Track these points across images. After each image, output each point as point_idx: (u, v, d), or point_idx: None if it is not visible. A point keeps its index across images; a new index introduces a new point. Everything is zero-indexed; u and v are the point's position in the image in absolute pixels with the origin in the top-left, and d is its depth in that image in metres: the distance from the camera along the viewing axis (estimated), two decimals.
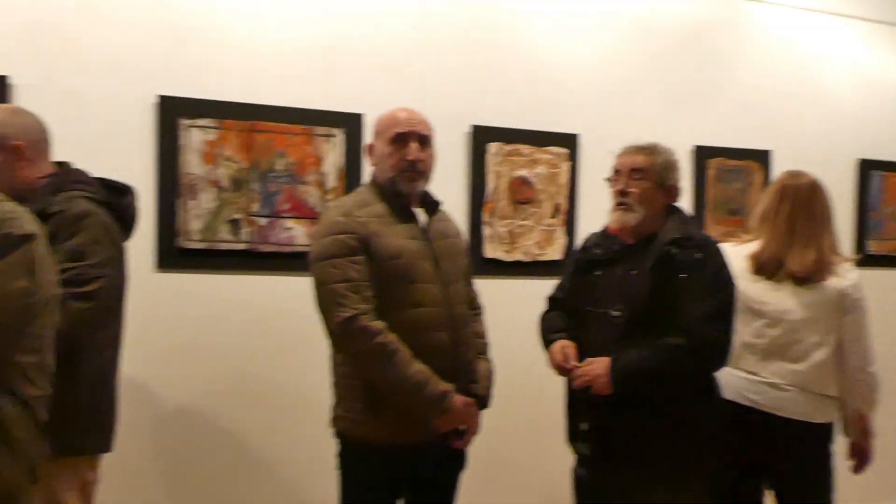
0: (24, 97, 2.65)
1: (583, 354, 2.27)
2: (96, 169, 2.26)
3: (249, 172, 2.85)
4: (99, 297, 1.98)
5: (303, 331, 2.69)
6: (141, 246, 2.64)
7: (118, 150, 2.74)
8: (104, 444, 2.13)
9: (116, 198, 2.15)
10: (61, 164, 2.17)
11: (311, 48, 2.98)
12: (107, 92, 2.75)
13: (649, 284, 2.17)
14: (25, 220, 1.54)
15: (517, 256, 3.28)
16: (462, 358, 2.23)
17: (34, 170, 2.06)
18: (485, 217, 3.23)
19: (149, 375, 2.78)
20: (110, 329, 2.13)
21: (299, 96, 2.94)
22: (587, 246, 2.45)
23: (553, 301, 2.52)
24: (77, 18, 2.73)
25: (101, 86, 2.74)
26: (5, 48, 2.65)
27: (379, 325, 2.08)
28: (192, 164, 2.78)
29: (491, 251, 3.24)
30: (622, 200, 2.30)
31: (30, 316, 1.49)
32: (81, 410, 2.02)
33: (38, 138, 2.09)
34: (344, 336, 2.09)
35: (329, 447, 2.29)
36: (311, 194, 2.92)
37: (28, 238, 1.50)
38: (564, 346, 2.31)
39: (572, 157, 3.36)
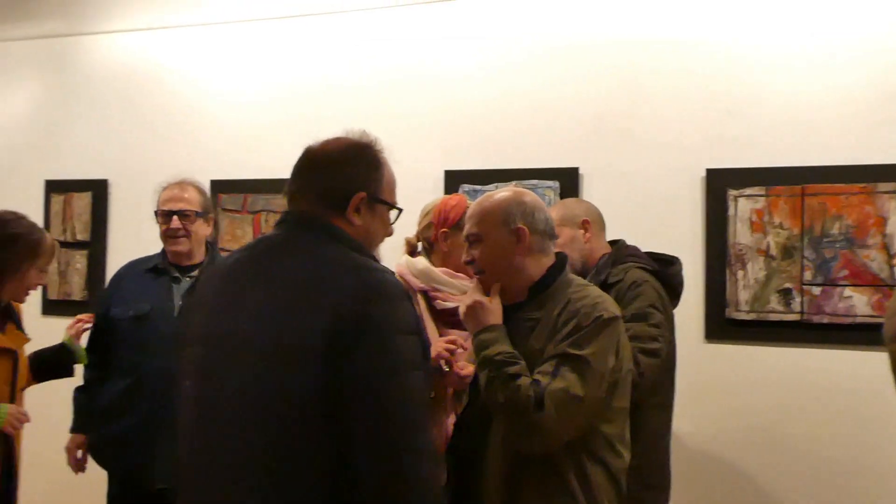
0: (589, 184, 3.05)
1: None
2: (650, 241, 2.47)
3: (801, 239, 2.71)
4: (660, 356, 2.14)
5: (869, 409, 2.40)
6: (690, 316, 2.73)
7: (669, 224, 2.92)
8: (663, 502, 2.25)
9: (665, 267, 2.30)
10: (616, 242, 2.44)
11: (856, 98, 2.73)
12: (658, 170, 2.97)
13: None
14: (610, 303, 1.75)
15: None
16: None
17: (597, 245, 2.38)
18: None
19: (701, 439, 2.82)
20: (664, 392, 2.26)
21: (855, 153, 2.70)
22: None
23: None
24: (632, 107, 3.04)
25: (653, 165, 2.98)
26: (575, 143, 3.11)
27: None
28: (741, 233, 2.79)
29: None
30: None
31: (615, 389, 1.68)
32: (639, 468, 2.16)
33: (598, 219, 2.43)
34: None
35: None
36: (872, 259, 2.63)
37: (614, 320, 1.70)
38: None
39: None
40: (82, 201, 3.81)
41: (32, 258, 2.31)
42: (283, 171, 3.33)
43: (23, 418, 2.27)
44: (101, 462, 2.64)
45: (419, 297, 2.25)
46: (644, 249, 2.41)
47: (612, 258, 2.32)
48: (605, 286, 2.17)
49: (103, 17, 3.90)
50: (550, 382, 1.61)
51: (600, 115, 3.08)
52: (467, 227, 1.85)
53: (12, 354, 2.31)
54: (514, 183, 3.14)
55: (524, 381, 1.62)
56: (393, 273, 1.49)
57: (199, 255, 2.65)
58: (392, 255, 1.90)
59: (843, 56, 2.75)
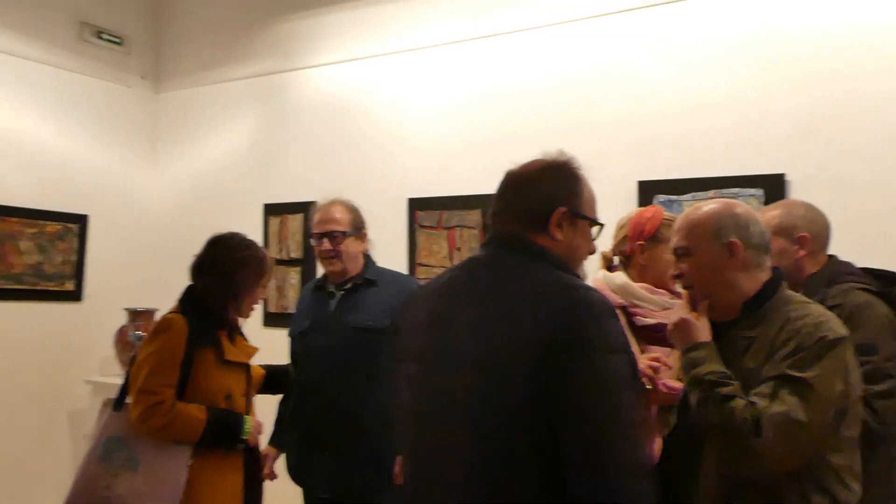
0: (797, 192, 2.86)
1: None
2: (867, 256, 2.25)
3: None
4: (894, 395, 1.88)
5: None
6: None
7: (890, 236, 2.67)
8: None
9: (889, 286, 2.07)
10: (830, 257, 2.19)
11: None
12: (878, 177, 2.74)
13: None
14: (835, 322, 1.63)
15: None
16: None
17: (812, 262, 2.13)
18: None
19: None
20: None
21: None
22: None
23: None
24: (846, 107, 2.82)
25: (871, 170, 2.75)
26: (781, 147, 2.93)
27: None
28: None
29: None
30: None
31: (843, 417, 1.57)
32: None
33: (820, 236, 2.16)
34: None
35: None
36: None
37: (840, 340, 1.59)
38: None
39: None
40: (295, 222, 4.16)
41: (259, 277, 2.48)
42: (476, 187, 3.54)
43: (261, 429, 2.48)
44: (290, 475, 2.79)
45: (619, 313, 2.22)
46: (861, 265, 2.19)
47: (824, 277, 2.08)
48: None
49: (311, 53, 4.25)
50: (769, 405, 1.53)
51: (810, 115, 2.89)
52: (675, 240, 1.81)
53: (245, 367, 2.49)
54: (712, 192, 3.03)
55: (739, 402, 1.56)
56: (600, 291, 1.50)
57: (355, 269, 2.69)
58: (587, 269, 1.90)
59: None
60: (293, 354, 2.82)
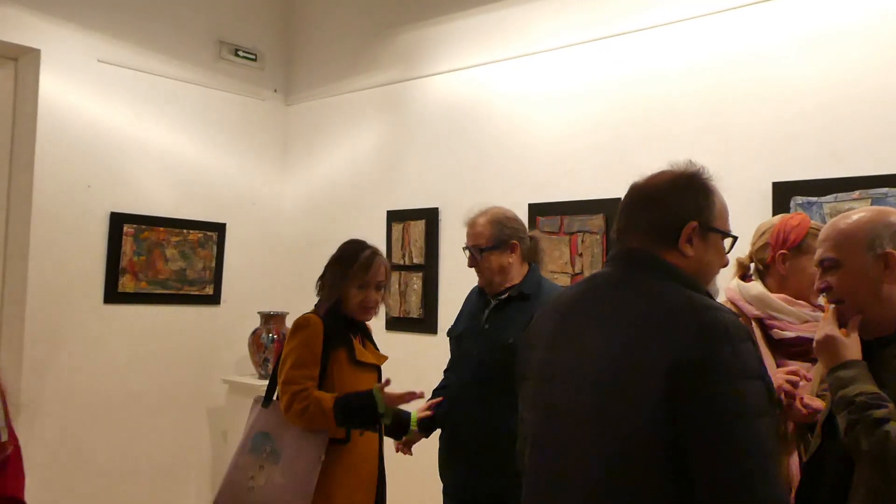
0: None
1: None
2: None
3: None
4: None
5: None
6: None
7: None
8: None
9: None
10: None
11: None
12: None
13: None
14: None
15: None
16: None
17: None
18: None
19: None
20: None
21: None
22: None
23: None
24: None
25: None
26: None
27: None
28: None
29: None
30: None
31: None
32: None
33: None
34: None
35: None
36: None
37: None
38: None
39: None
40: (417, 228, 4.23)
41: (347, 271, 2.54)
42: (597, 192, 3.47)
43: (407, 397, 2.53)
44: None
45: (754, 324, 2.11)
46: None
47: None
48: None
49: (432, 61, 4.30)
50: None
51: None
52: (821, 251, 1.67)
53: (377, 369, 2.59)
54: (857, 193, 2.81)
55: (894, 426, 1.43)
56: (733, 313, 1.41)
57: (507, 281, 2.62)
58: (720, 276, 1.80)
59: None
60: (451, 354, 2.84)
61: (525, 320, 2.50)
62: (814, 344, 1.66)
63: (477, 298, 2.77)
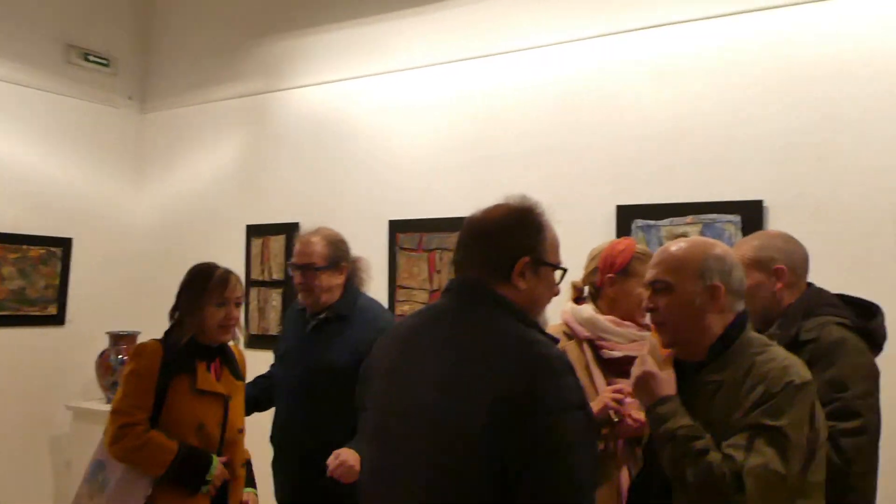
0: (775, 218, 2.83)
1: None
2: (847, 283, 2.22)
3: None
4: (866, 432, 1.85)
5: None
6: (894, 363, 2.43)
7: (869, 262, 2.64)
8: None
9: (866, 320, 2.03)
10: (808, 286, 2.14)
11: None
12: (858, 201, 2.70)
13: None
14: (800, 366, 1.61)
15: None
16: None
17: (787, 294, 2.08)
18: None
19: None
20: (871, 459, 1.96)
21: None
22: None
23: None
24: (827, 133, 2.78)
25: (851, 195, 2.71)
26: (760, 173, 2.89)
27: None
28: None
29: None
30: None
31: (811, 462, 1.56)
32: None
33: (798, 267, 2.11)
34: None
35: None
36: None
37: (806, 385, 1.57)
38: None
39: None
40: (277, 243, 4.14)
41: (203, 292, 2.42)
42: (457, 210, 3.51)
43: (226, 476, 2.41)
44: None
45: (585, 345, 2.20)
46: (840, 289, 2.15)
47: (802, 308, 2.02)
48: (797, 344, 1.92)
49: (296, 73, 4.24)
50: (747, 458, 1.49)
51: (788, 142, 2.85)
52: (654, 273, 1.75)
53: (223, 399, 2.44)
54: (690, 217, 2.99)
55: (715, 456, 1.52)
56: (556, 346, 1.47)
57: (330, 301, 2.61)
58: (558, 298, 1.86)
59: None
60: (279, 376, 2.78)
61: (345, 341, 2.52)
62: (631, 381, 1.74)
63: (297, 318, 2.73)
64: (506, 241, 1.52)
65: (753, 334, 1.72)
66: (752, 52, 2.95)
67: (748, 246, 2.14)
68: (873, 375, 1.96)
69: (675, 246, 1.75)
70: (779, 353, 1.64)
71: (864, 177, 2.69)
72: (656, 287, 1.73)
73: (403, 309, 3.72)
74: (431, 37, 3.79)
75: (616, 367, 2.18)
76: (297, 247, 2.68)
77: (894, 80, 2.66)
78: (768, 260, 2.08)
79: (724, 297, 1.68)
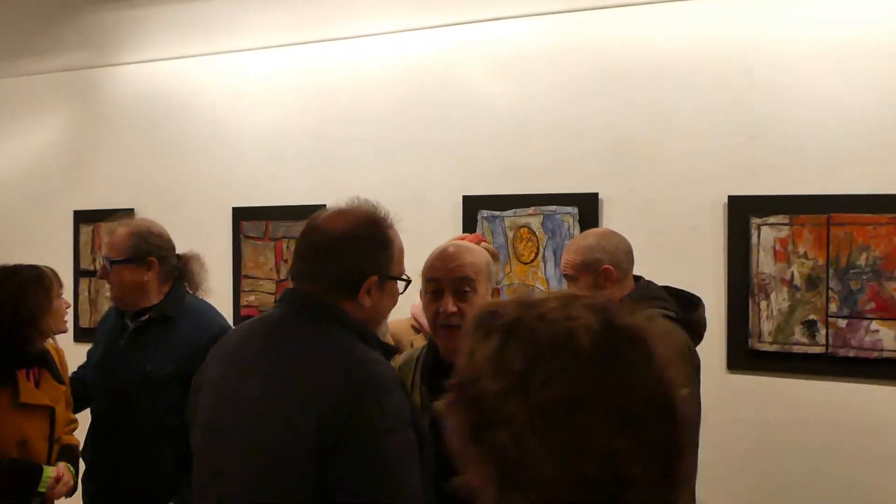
0: (609, 210, 3.01)
1: None
2: (670, 270, 2.43)
3: (826, 270, 2.65)
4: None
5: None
6: (713, 346, 2.69)
7: (690, 252, 2.87)
8: None
9: (689, 312, 2.22)
10: (637, 279, 2.32)
11: (885, 125, 2.65)
12: (680, 196, 2.92)
13: None
14: None
15: None
16: None
17: (618, 289, 2.22)
18: None
19: (723, 470, 2.77)
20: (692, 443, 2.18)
21: (884, 182, 2.62)
22: None
23: None
24: (653, 131, 2.98)
25: (674, 191, 2.93)
26: (595, 168, 3.07)
27: None
28: (764, 263, 2.73)
29: None
30: None
31: None
32: None
33: (625, 259, 2.27)
34: None
35: None
36: None
37: None
38: None
39: None
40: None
41: (49, 291, 2.31)
42: (305, 198, 3.45)
43: (66, 480, 2.26)
44: None
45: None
46: (665, 279, 2.34)
47: (632, 302, 2.23)
48: None
49: (125, 48, 3.94)
50: None
51: (620, 139, 3.03)
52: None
53: (49, 410, 2.27)
54: (532, 209, 3.12)
55: None
56: (387, 364, 1.45)
57: (150, 300, 2.38)
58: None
59: (872, 83, 2.66)
60: (92, 383, 2.54)
61: (168, 346, 2.31)
62: None
63: (115, 319, 2.49)
64: (352, 259, 1.45)
65: None
66: (588, 51, 3.10)
67: (575, 248, 2.30)
68: (694, 365, 2.16)
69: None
70: None
71: (688, 174, 2.92)
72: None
73: (249, 299, 3.61)
74: (277, 17, 3.64)
75: None
76: (105, 237, 2.53)
77: (719, 85, 2.87)
78: (595, 262, 2.23)
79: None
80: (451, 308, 1.69)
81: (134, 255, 2.36)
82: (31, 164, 4.16)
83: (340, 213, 1.50)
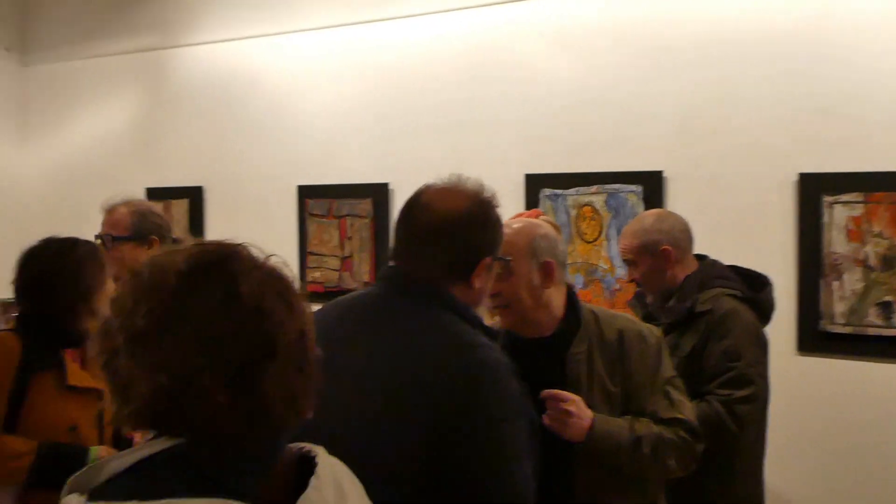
0: (674, 188, 2.97)
1: None
2: (738, 250, 2.40)
3: None
4: (756, 399, 2.04)
5: None
6: (782, 328, 2.64)
7: (759, 231, 2.82)
8: None
9: (756, 291, 2.19)
10: (702, 258, 2.28)
11: None
12: (748, 174, 2.86)
13: None
14: (642, 323, 1.82)
15: None
16: None
17: (679, 269, 2.22)
18: None
19: (793, 452, 2.74)
20: (761, 424, 2.16)
21: None
22: None
23: None
24: (721, 107, 2.92)
25: (742, 168, 2.87)
26: (660, 145, 3.02)
27: None
28: (837, 242, 2.67)
29: None
30: None
31: None
32: (735, 490, 2.12)
33: (683, 238, 2.25)
34: None
35: None
36: None
37: (662, 337, 1.81)
38: None
39: None
40: (181, 208, 4.00)
41: (103, 268, 2.12)
42: (368, 176, 3.49)
43: None
44: None
45: None
46: (732, 259, 2.30)
47: (698, 280, 2.16)
48: (693, 316, 2.09)
49: (196, 29, 4.04)
50: (681, 411, 1.68)
51: (686, 115, 2.98)
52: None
53: (98, 393, 2.03)
54: (595, 188, 3.10)
55: (669, 431, 1.64)
56: (499, 349, 1.37)
57: None
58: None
59: None
60: None
61: None
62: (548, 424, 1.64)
63: None
64: (469, 242, 1.38)
65: (584, 302, 1.77)
66: (651, 25, 3.04)
67: (632, 231, 2.28)
68: (762, 344, 2.13)
69: (507, 227, 1.63)
70: (619, 315, 1.80)
71: (757, 151, 2.86)
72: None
73: (315, 276, 3.69)
74: None
75: None
76: (103, 215, 2.46)
77: (789, 57, 2.79)
78: (653, 244, 2.21)
79: (557, 271, 1.68)
80: (493, 291, 1.59)
81: (136, 232, 2.37)
82: (106, 143, 4.30)
83: (449, 192, 1.42)
